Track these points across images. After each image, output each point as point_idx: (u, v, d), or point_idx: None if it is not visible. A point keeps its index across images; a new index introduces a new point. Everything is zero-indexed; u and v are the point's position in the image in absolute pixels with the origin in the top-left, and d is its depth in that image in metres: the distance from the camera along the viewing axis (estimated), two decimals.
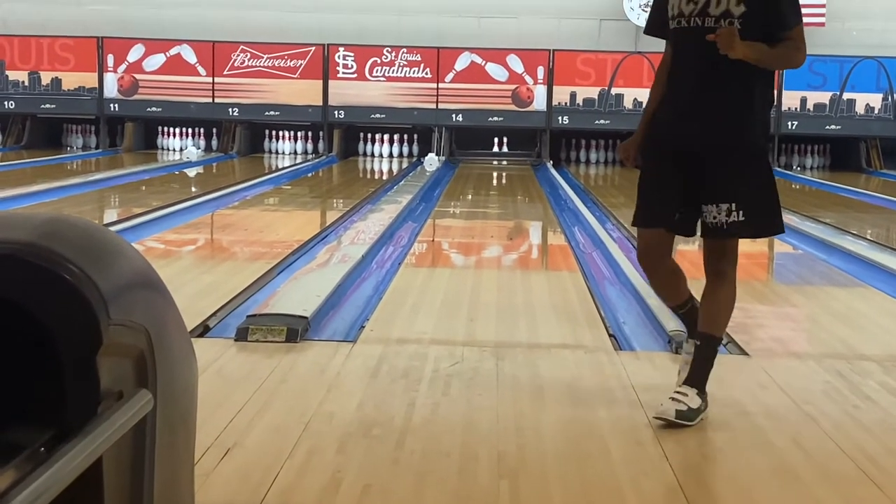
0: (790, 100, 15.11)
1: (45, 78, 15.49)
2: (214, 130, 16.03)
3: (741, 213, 2.99)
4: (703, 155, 3.06)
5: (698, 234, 3.32)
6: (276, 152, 16.24)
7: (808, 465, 3.02)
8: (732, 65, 2.96)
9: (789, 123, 15.01)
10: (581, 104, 15.01)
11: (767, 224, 3.19)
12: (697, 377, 3.16)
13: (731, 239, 3.12)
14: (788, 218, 10.22)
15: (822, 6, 15.51)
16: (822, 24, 15.00)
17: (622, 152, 3.26)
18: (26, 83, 15.48)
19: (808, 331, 5.53)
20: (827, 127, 15.19)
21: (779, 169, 15.60)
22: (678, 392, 3.09)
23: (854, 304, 6.01)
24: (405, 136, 16.03)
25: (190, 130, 16.08)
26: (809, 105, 15.07)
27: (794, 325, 5.64)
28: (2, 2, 16.13)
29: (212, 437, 2.91)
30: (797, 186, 14.14)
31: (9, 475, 1.33)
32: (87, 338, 1.64)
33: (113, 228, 8.24)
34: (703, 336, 3.15)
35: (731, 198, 2.99)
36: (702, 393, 3.14)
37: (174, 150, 16.18)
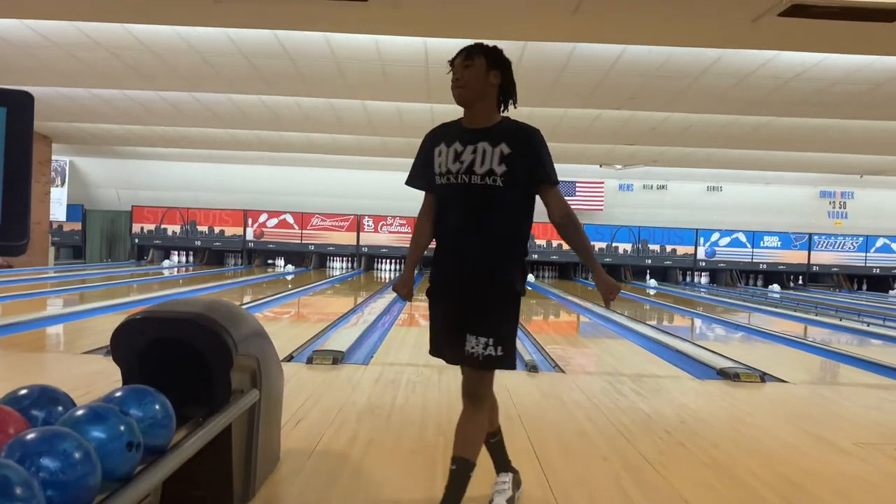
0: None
1: (217, 230, 19.33)
2: (302, 258, 19.32)
3: (499, 348, 2.33)
4: (469, 291, 2.38)
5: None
6: (333, 268, 19.67)
7: (593, 426, 3.78)
8: (495, 217, 2.35)
9: None
10: None
11: (512, 360, 2.39)
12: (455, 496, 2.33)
13: (488, 370, 2.35)
14: (585, 303, 11.95)
15: (601, 199, 18.99)
16: (601, 209, 18.89)
17: (399, 291, 2.64)
18: (206, 233, 19.33)
19: (594, 360, 6.50)
20: (605, 259, 19.18)
21: (582, 279, 18.64)
22: (501, 482, 2.61)
23: (616, 348, 7.13)
24: (398, 261, 19.58)
25: (288, 258, 19.57)
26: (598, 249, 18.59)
27: (587, 357, 6.63)
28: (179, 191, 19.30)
29: (290, 414, 3.57)
30: (591, 288, 16.52)
31: (183, 431, 1.94)
32: (226, 362, 2.29)
33: (245, 306, 9.24)
34: (461, 460, 2.34)
35: (491, 333, 2.33)
36: None
37: (281, 267, 19.38)
